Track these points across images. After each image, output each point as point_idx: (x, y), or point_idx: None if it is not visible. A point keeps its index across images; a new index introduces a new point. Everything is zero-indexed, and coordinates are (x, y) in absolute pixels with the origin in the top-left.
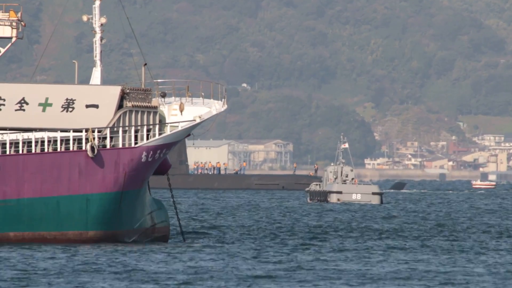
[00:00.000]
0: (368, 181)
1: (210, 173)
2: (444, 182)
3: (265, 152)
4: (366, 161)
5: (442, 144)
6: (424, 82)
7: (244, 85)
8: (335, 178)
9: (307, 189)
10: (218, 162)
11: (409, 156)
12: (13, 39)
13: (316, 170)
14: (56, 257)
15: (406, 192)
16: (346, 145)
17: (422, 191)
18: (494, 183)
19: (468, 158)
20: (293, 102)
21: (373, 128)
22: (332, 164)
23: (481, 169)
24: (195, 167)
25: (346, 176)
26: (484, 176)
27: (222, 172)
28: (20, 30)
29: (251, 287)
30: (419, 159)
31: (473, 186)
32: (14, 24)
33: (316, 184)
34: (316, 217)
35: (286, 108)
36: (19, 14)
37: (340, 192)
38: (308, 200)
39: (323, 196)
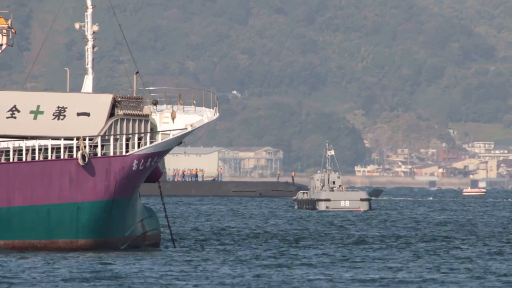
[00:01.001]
0: (356, 188)
1: (188, 180)
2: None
3: (255, 159)
4: (356, 168)
5: (432, 151)
6: (414, 89)
7: (234, 92)
8: (322, 186)
9: (294, 197)
10: (195, 169)
11: (399, 163)
12: (3, 46)
13: (293, 178)
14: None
15: (380, 199)
16: (332, 152)
17: (397, 198)
18: (484, 190)
19: (458, 165)
20: (283, 109)
21: (363, 135)
22: (318, 171)
23: (471, 176)
24: (174, 174)
25: (333, 183)
26: (474, 183)
27: (200, 179)
28: (10, 37)
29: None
30: (409, 166)
31: (464, 193)
32: (4, 31)
33: (303, 193)
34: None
35: (276, 115)
36: (9, 21)
37: (329, 200)
38: (296, 208)
39: (311, 204)
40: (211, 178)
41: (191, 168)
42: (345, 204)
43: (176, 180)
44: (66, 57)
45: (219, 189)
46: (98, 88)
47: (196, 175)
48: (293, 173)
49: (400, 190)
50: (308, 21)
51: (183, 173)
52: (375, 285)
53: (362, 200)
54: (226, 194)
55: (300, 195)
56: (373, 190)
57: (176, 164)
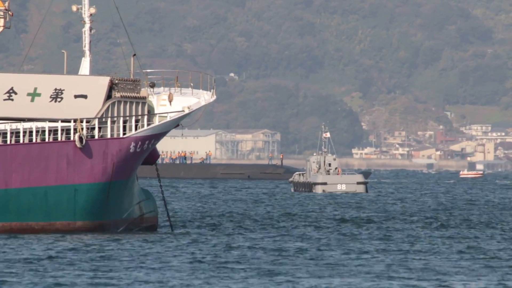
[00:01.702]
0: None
1: (177, 162)
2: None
3: (253, 142)
4: (354, 150)
5: (429, 133)
6: (411, 71)
7: (232, 74)
8: (319, 168)
9: (290, 179)
10: (184, 151)
11: (397, 145)
12: (1, 29)
13: (281, 160)
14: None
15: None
16: (328, 134)
17: (383, 180)
18: (481, 172)
19: (456, 147)
20: (281, 92)
21: (361, 117)
22: (314, 154)
23: (468, 158)
24: (163, 156)
25: (329, 166)
26: (471, 166)
27: (188, 161)
28: (7, 19)
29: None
30: (407, 149)
31: (461, 175)
32: (1, 13)
33: (299, 174)
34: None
35: (274, 98)
36: (6, 4)
37: (325, 183)
38: (292, 190)
39: (308, 187)
40: (200, 161)
41: (187, 150)
42: (341, 187)
43: (165, 162)
44: (64, 39)
45: (208, 172)
46: (95, 71)
47: (185, 157)
48: (281, 155)
49: (393, 173)
50: (305, 4)
51: (171, 155)
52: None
53: (358, 183)
54: (215, 176)
55: (296, 177)
56: (361, 172)
57: (173, 146)
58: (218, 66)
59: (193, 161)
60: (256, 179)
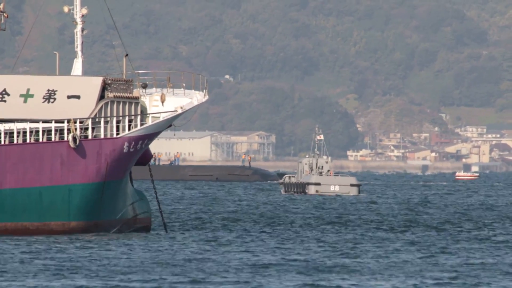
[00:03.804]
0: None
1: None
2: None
3: (248, 144)
4: (349, 152)
5: (424, 135)
6: (406, 73)
7: (227, 76)
8: (311, 170)
9: (280, 181)
10: (154, 153)
11: (392, 147)
12: None
13: (249, 162)
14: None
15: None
16: (321, 137)
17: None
18: (477, 174)
19: (451, 149)
20: (276, 94)
21: (356, 119)
22: (307, 156)
23: (463, 160)
24: None
25: (322, 168)
26: (467, 167)
27: (156, 163)
28: (2, 21)
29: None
30: (402, 151)
31: (456, 177)
32: None
33: (290, 177)
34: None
35: (269, 100)
36: (1, 6)
37: (319, 184)
38: (282, 192)
39: (301, 188)
40: (168, 162)
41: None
42: (335, 188)
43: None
44: (59, 41)
45: (177, 173)
46: (90, 73)
47: (154, 159)
48: (249, 157)
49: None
50: (301, 5)
51: None
52: None
53: (352, 185)
54: (183, 178)
55: (287, 179)
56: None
57: (168, 148)
58: (213, 68)
59: (161, 163)
60: (224, 180)
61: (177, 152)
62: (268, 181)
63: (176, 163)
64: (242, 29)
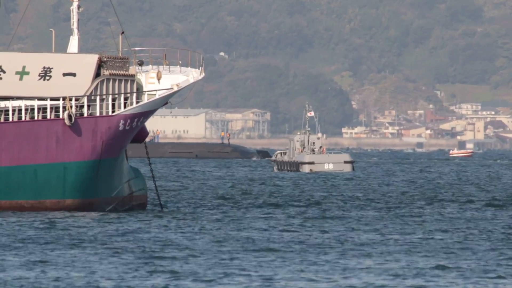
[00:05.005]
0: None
1: None
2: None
3: (243, 121)
4: (344, 130)
5: (419, 112)
6: (401, 51)
7: (222, 54)
8: (303, 148)
9: (273, 158)
10: None
11: (387, 124)
12: None
13: (228, 139)
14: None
15: None
16: (312, 113)
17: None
18: (471, 151)
19: (446, 126)
20: (271, 71)
21: (351, 97)
22: (298, 133)
23: (458, 137)
24: None
25: (313, 144)
26: (461, 145)
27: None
28: None
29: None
30: (397, 128)
31: (450, 154)
32: None
33: (281, 153)
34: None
35: (264, 77)
36: None
37: (312, 163)
38: (275, 170)
39: (294, 166)
40: (148, 140)
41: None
42: (328, 166)
43: None
44: (53, 18)
45: (156, 151)
46: (85, 50)
47: (154, 136)
48: (228, 134)
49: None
50: None
51: None
52: None
53: (345, 162)
54: (163, 155)
55: (279, 156)
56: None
57: (164, 125)
58: (207, 45)
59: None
60: (204, 158)
61: (157, 130)
62: (247, 158)
63: (156, 141)
64: (236, 6)
